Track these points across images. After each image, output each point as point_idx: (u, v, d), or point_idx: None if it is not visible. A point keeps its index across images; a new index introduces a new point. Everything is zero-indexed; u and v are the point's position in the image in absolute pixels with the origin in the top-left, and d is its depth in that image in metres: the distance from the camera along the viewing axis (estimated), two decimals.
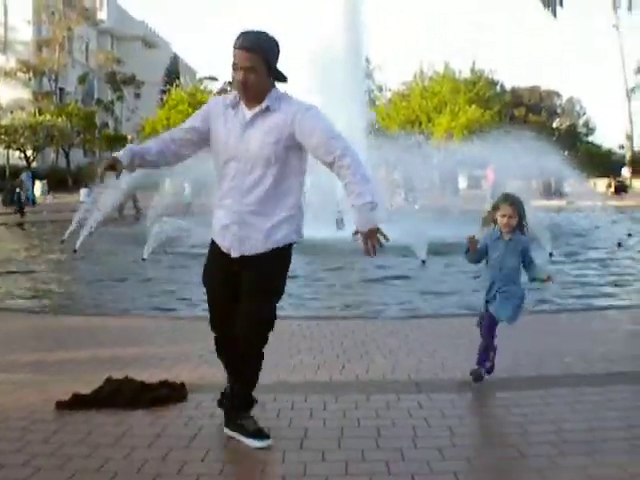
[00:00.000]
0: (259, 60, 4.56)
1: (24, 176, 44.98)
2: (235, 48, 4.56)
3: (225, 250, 4.83)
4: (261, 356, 4.97)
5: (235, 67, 4.59)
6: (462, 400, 5.78)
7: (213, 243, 4.95)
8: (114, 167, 4.71)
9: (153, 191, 24.57)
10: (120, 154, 4.77)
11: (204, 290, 5.04)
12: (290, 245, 4.86)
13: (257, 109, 4.68)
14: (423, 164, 29.43)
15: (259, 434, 4.87)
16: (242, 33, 4.59)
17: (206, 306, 5.06)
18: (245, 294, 4.75)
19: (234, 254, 4.77)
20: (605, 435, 4.92)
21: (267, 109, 4.67)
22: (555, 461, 4.48)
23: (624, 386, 6.09)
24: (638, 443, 4.76)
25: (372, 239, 4.52)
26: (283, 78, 4.78)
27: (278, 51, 4.68)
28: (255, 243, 4.74)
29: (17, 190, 38.23)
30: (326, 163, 4.64)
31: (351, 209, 4.58)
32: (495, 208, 6.31)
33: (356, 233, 4.60)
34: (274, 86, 4.77)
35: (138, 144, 5.13)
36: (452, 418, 5.34)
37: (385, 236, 4.52)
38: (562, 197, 41.12)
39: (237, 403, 5.07)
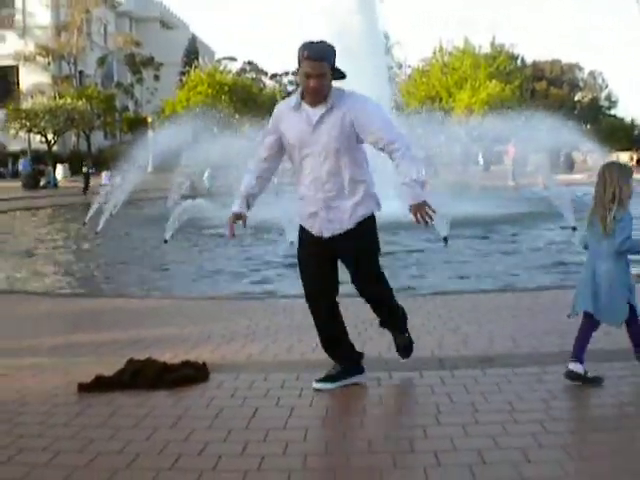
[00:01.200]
0: (327, 67, 5.13)
1: (21, 162, 45.55)
2: (305, 59, 5.10)
3: (316, 233, 5.39)
4: (386, 288, 5.72)
5: (307, 75, 5.11)
6: (485, 377, 5.73)
7: (302, 229, 5.52)
8: (239, 218, 5.48)
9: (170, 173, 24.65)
10: (237, 206, 5.50)
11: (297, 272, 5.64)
12: (372, 216, 5.44)
13: (323, 109, 5.21)
14: (445, 139, 29.27)
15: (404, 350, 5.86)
16: (308, 44, 5.13)
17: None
18: (350, 266, 5.47)
19: (326, 235, 5.36)
20: (630, 411, 4.86)
21: (332, 108, 5.20)
22: (580, 437, 4.44)
23: None
24: None
25: (421, 211, 5.14)
26: (342, 76, 5.27)
27: (335, 54, 5.21)
28: (342, 222, 5.33)
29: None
30: (379, 148, 5.28)
31: (401, 187, 5.21)
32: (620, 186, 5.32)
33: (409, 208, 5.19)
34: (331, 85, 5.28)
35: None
36: (475, 394, 5.30)
37: (432, 209, 5.14)
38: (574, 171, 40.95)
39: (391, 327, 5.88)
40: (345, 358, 5.60)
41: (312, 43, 5.16)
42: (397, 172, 5.23)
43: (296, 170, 5.45)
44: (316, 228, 5.39)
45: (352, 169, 5.30)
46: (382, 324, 5.89)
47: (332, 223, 5.33)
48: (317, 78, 5.09)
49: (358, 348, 5.70)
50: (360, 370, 5.60)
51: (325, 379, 5.48)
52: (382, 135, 5.20)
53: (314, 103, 5.23)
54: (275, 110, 5.50)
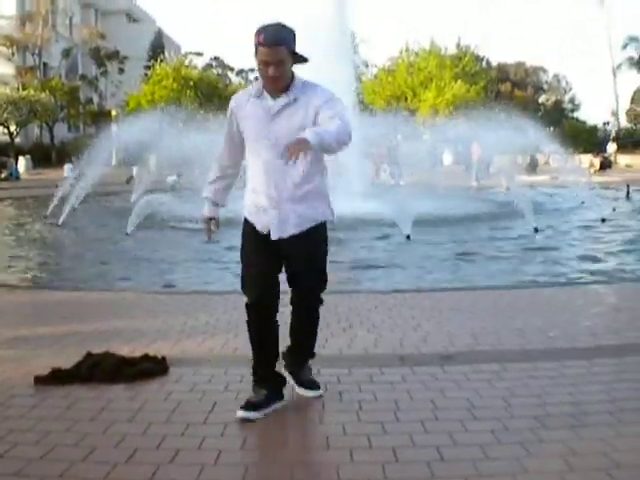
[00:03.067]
0: (285, 53, 4.69)
1: None
2: (260, 45, 4.66)
3: (260, 229, 4.97)
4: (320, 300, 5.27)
5: (264, 63, 4.69)
6: (445, 374, 5.74)
7: (247, 222, 5.08)
8: (212, 220, 5.28)
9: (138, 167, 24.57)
10: (207, 211, 5.26)
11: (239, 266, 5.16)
12: (325, 222, 5.09)
13: (284, 100, 4.82)
14: (409, 140, 29.41)
15: (311, 384, 5.32)
16: (262, 28, 4.68)
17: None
18: (295, 269, 5.05)
19: (274, 236, 4.92)
20: (589, 409, 4.90)
21: (295, 100, 4.82)
22: (539, 435, 4.46)
23: (608, 359, 6.06)
24: (621, 416, 4.74)
25: (300, 146, 4.36)
26: (304, 60, 4.86)
27: (295, 37, 4.79)
28: (292, 225, 4.92)
29: None
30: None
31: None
32: None
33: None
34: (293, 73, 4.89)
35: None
36: (435, 391, 5.31)
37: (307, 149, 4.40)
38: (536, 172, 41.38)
39: (297, 358, 5.38)
40: (275, 381, 5.13)
41: (267, 26, 4.70)
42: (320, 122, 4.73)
43: (249, 162, 5.05)
44: (263, 226, 4.95)
45: (311, 168, 4.91)
46: (293, 351, 5.38)
47: (282, 226, 4.90)
48: (275, 65, 4.67)
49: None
50: (282, 396, 5.13)
51: (249, 407, 4.90)
52: (336, 118, 4.66)
53: (275, 92, 4.82)
54: (232, 101, 5.09)
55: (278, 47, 4.65)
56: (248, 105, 4.94)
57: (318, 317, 5.35)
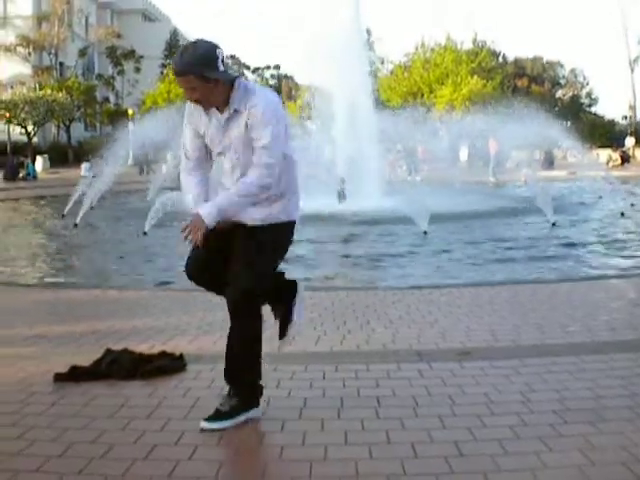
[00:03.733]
0: (194, 79, 4.51)
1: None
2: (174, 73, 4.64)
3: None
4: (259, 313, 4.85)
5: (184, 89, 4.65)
6: (463, 369, 5.72)
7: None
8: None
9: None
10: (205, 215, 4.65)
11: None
12: (281, 224, 4.82)
13: (226, 114, 4.67)
14: (426, 136, 29.31)
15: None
16: (175, 56, 4.62)
17: None
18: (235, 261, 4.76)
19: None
20: (608, 403, 4.87)
21: (235, 112, 4.65)
22: (558, 430, 4.43)
23: (627, 354, 6.02)
24: None
25: (195, 225, 4.60)
26: (232, 77, 4.67)
27: (213, 57, 4.54)
28: (246, 216, 4.74)
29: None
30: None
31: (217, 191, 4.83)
32: None
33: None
34: (233, 83, 4.65)
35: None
36: (453, 387, 5.29)
37: (201, 234, 4.58)
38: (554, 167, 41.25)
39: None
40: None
41: (178, 53, 4.58)
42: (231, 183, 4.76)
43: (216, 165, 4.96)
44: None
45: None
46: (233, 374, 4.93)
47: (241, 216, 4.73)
48: (189, 92, 4.58)
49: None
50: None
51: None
52: (259, 154, 4.59)
53: (219, 108, 4.69)
54: (185, 111, 4.90)
55: (184, 76, 4.53)
56: (202, 118, 4.80)
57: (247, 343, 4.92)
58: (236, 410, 4.71)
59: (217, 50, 4.57)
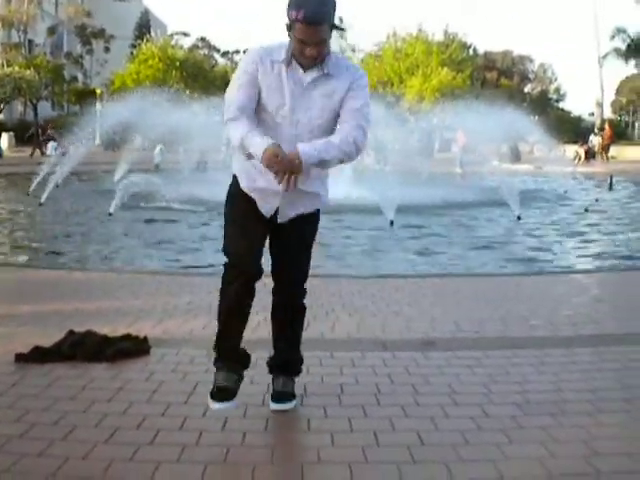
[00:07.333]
0: (328, 30, 4.10)
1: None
2: (298, 22, 4.01)
3: (266, 213, 4.44)
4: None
5: (302, 42, 4.07)
6: (427, 359, 5.75)
7: (242, 192, 4.47)
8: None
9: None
10: (267, 144, 4.10)
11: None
12: (318, 211, 4.66)
13: (316, 73, 4.24)
14: (396, 126, 29.31)
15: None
16: (302, 2, 4.00)
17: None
18: (287, 255, 4.61)
19: (281, 220, 4.46)
20: (569, 397, 4.92)
21: (328, 75, 4.26)
22: (519, 422, 4.47)
23: (589, 349, 6.09)
24: (601, 405, 4.76)
25: (295, 171, 4.07)
26: (341, 29, 4.56)
27: (336, 7, 4.15)
28: (298, 207, 4.48)
29: None
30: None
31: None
32: None
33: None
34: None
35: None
36: (416, 376, 5.32)
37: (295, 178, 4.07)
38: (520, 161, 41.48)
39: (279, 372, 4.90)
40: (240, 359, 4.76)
41: (307, 1, 3.99)
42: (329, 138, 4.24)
43: (265, 132, 4.25)
44: (266, 209, 4.41)
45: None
46: (282, 355, 4.93)
47: (289, 209, 4.44)
48: (315, 45, 4.07)
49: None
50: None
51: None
52: (357, 116, 4.25)
53: (307, 66, 4.23)
54: (253, 55, 4.32)
55: (320, 26, 4.03)
56: (273, 71, 4.26)
57: (301, 325, 5.00)
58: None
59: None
